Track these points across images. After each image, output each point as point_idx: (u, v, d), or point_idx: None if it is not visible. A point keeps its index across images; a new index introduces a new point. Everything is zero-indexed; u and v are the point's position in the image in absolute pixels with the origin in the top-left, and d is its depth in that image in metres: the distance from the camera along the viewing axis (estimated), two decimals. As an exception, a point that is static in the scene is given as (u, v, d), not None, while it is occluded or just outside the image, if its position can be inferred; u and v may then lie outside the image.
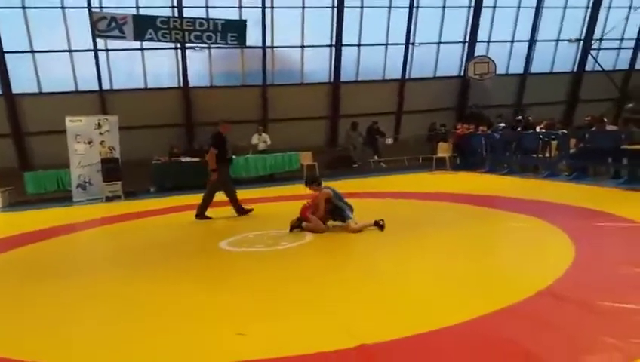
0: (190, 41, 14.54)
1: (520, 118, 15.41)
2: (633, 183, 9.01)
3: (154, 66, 16.30)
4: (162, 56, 16.14)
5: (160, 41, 14.02)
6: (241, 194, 11.36)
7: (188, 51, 16.12)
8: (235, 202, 8.50)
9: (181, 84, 16.36)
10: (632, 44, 19.64)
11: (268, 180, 13.91)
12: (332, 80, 17.47)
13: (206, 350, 3.28)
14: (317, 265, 5.36)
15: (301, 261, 5.50)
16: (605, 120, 11.61)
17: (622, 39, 19.45)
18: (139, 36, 13.65)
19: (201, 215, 8.30)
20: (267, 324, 3.64)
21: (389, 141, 17.45)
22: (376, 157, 16.28)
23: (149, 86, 16.18)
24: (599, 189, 8.97)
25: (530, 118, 15.48)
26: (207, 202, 8.36)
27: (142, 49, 15.72)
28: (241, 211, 8.47)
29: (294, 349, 3.14)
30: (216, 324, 3.72)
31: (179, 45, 15.65)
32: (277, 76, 17.18)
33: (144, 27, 13.53)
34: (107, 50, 15.59)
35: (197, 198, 11.00)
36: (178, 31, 14.04)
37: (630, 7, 18.73)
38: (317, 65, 17.54)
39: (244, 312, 3.94)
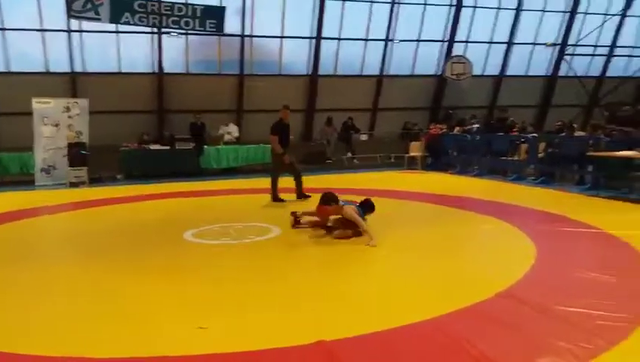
0: (167, 26, 14.28)
1: (508, 118, 15.33)
2: (596, 190, 9.24)
3: (128, 50, 15.93)
4: (138, 40, 15.80)
5: (136, 24, 13.73)
6: (210, 185, 11.32)
7: (164, 36, 15.82)
8: (298, 186, 8.90)
9: (156, 70, 16.06)
10: (606, 51, 20.05)
11: (238, 172, 13.78)
12: (310, 72, 17.39)
13: (165, 342, 3.24)
14: (283, 261, 5.32)
15: (267, 255, 5.45)
16: (575, 126, 11.84)
17: (595, 46, 19.86)
18: (115, 19, 13.34)
19: (275, 197, 8.77)
20: (229, 318, 3.62)
21: (364, 137, 17.49)
22: (349, 154, 16.30)
23: (122, 70, 15.83)
24: (564, 194, 9.16)
25: (512, 119, 15.55)
26: (274, 184, 8.80)
27: (117, 32, 15.36)
28: (302, 196, 8.82)
29: (254, 344, 3.14)
30: (176, 316, 3.67)
31: (155, 30, 15.35)
32: (255, 66, 17.01)
33: (121, 10, 13.22)
34: (81, 31, 15.18)
35: (166, 187, 11.01)
36: (155, 15, 13.76)
37: (605, 15, 19.12)
38: (296, 57, 17.43)
39: (205, 306, 3.90)
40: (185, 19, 14.01)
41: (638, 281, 4.25)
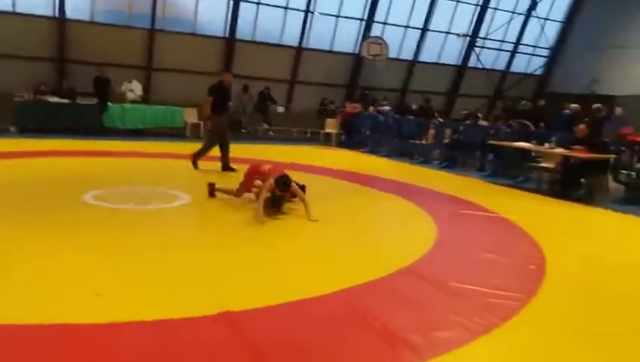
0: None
1: (432, 107, 15.78)
2: (495, 177, 9.90)
3: (25, -11, 14.36)
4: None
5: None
6: (114, 145, 10.67)
7: (69, -21, 14.42)
8: (225, 157, 8.41)
9: (56, 14, 14.64)
10: (511, 47, 21.35)
11: (144, 134, 13.10)
12: (227, 35, 16.77)
13: (60, 308, 3.05)
14: (188, 230, 5.14)
15: (172, 224, 5.24)
16: (480, 115, 12.55)
17: (502, 41, 21.07)
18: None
19: (194, 162, 8.31)
20: (129, 287, 3.46)
21: (281, 109, 17.31)
22: (265, 125, 16.08)
23: (17, 10, 14.25)
24: (465, 179, 9.72)
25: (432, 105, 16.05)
26: (205, 151, 8.38)
27: (13, -33, 13.77)
28: (227, 168, 8.37)
29: (155, 313, 3.01)
30: (71, 282, 3.45)
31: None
32: (167, 22, 16.05)
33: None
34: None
35: (64, 144, 10.20)
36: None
37: (512, 12, 20.31)
38: (212, 18, 16.68)
39: (105, 272, 3.68)
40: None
41: (528, 262, 4.61)
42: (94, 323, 2.87)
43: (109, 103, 12.74)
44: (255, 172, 6.00)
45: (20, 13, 14.19)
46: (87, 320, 2.89)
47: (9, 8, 14.09)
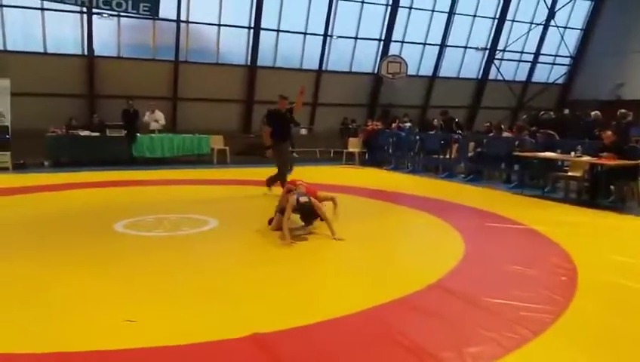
0: (98, 7, 13.56)
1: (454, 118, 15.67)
2: (522, 188, 9.79)
3: (55, 30, 14.93)
4: (65, 19, 14.89)
5: (63, 2, 12.93)
6: (144, 174, 10.95)
7: (95, 17, 15.00)
8: (280, 179, 8.17)
9: (85, 52, 15.23)
10: (531, 57, 21.21)
11: (173, 162, 13.40)
12: (249, 63, 17.15)
13: (95, 335, 3.12)
14: (216, 253, 5.21)
15: (200, 248, 5.34)
16: (503, 127, 12.46)
17: (522, 52, 20.96)
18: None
19: (269, 184, 8.41)
20: (159, 312, 3.52)
21: (304, 132, 17.51)
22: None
23: (48, 50, 14.89)
24: (491, 192, 9.63)
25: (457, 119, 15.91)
26: (279, 177, 8.23)
27: (42, 9, 14.41)
28: (270, 182, 8.43)
29: (187, 337, 3.06)
30: (105, 310, 3.53)
31: (85, 10, 14.54)
32: (191, 54, 16.53)
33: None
34: (1, 5, 14.10)
35: (96, 176, 10.52)
36: (84, -5, 13.03)
37: (531, 23, 20.23)
38: (234, 47, 17.10)
39: (135, 299, 3.78)
40: (117, 0, 13.38)
41: (559, 273, 4.55)
42: (126, 348, 2.93)
43: (138, 134, 13.10)
44: (291, 183, 6.20)
45: (50, 54, 14.81)
46: (119, 346, 2.95)
47: (40, 49, 14.74)
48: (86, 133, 12.79)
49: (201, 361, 2.87)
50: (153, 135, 13.55)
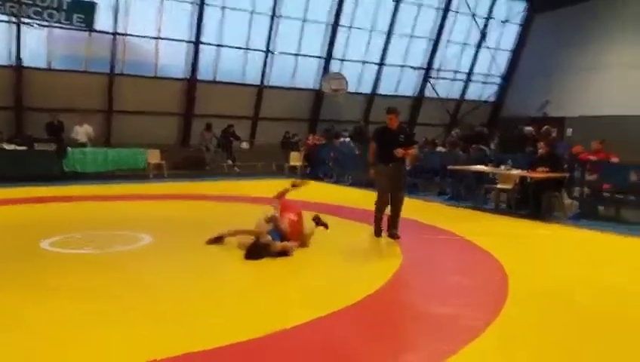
0: (28, 17, 12.99)
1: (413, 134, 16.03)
2: (455, 200, 10.14)
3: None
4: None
5: (-10, 11, 12.32)
6: (75, 190, 10.44)
7: (24, 27, 14.30)
8: (392, 218, 6.80)
9: (13, 63, 14.46)
10: (464, 76, 22.18)
11: (108, 177, 12.90)
12: (188, 77, 16.88)
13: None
14: (143, 272, 4.95)
15: (131, 266, 5.09)
16: (437, 142, 12.91)
17: (456, 71, 21.88)
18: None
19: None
20: (53, 336, 3.32)
21: (245, 145, 17.38)
22: (230, 161, 16.09)
23: (-30, 59, 14.04)
24: (427, 204, 9.91)
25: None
26: (379, 204, 6.90)
27: (-37, 17, 13.62)
28: (393, 235, 6.72)
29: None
30: (25, 333, 3.33)
31: (14, 19, 13.85)
32: (128, 66, 16.06)
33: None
34: None
35: (22, 191, 9.94)
36: (14, 3, 12.46)
37: (464, 44, 21.21)
38: (173, 60, 16.79)
39: (58, 321, 3.58)
40: (48, 10, 12.92)
41: (492, 282, 4.71)
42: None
43: (69, 148, 12.55)
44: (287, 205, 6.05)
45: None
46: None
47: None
48: (12, 146, 12.12)
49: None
50: (85, 149, 13.02)
